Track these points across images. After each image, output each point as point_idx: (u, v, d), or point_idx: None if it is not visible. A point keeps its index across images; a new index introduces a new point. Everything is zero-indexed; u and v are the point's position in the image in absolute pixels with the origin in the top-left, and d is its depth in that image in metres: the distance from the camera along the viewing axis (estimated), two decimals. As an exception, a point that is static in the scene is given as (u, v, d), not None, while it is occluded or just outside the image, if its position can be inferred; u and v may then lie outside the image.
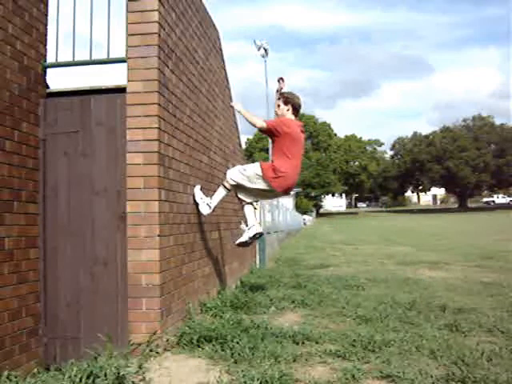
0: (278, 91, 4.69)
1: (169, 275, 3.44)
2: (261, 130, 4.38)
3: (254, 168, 4.36)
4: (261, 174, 4.28)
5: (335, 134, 70.78)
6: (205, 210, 4.29)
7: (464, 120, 65.47)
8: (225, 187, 4.47)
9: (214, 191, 4.80)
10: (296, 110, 4.50)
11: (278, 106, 4.51)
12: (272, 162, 4.39)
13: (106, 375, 2.49)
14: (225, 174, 5.69)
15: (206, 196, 4.37)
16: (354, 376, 2.70)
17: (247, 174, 4.36)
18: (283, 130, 4.27)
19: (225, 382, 2.66)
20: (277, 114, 4.55)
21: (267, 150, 34.03)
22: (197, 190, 4.31)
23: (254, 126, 4.31)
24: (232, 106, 4.65)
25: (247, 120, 4.34)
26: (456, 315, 4.14)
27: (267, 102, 27.14)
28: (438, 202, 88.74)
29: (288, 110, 4.48)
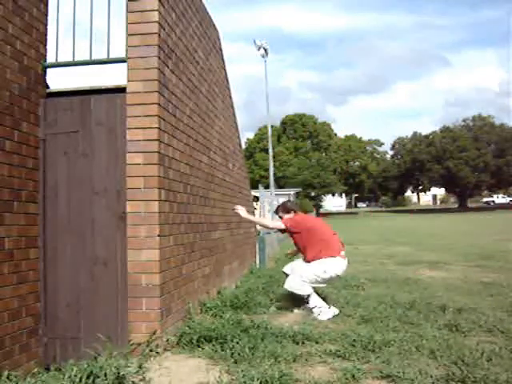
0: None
1: (169, 275, 3.44)
2: (280, 230, 4.85)
3: (314, 269, 4.45)
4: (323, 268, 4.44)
5: (335, 134, 70.76)
6: (326, 314, 4.27)
7: (464, 120, 65.46)
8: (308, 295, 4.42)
9: (214, 190, 4.82)
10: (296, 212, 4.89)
11: (281, 218, 4.87)
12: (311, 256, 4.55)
13: (105, 375, 2.50)
14: (224, 173, 5.70)
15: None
16: (353, 376, 2.70)
17: (315, 276, 4.44)
18: (301, 227, 4.64)
19: (225, 381, 2.67)
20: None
21: (267, 150, 34.00)
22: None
23: (267, 227, 4.65)
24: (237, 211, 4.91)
25: (260, 224, 4.54)
26: (456, 315, 4.13)
27: (267, 102, 27.21)
28: (438, 202, 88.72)
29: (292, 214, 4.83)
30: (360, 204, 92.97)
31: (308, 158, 61.34)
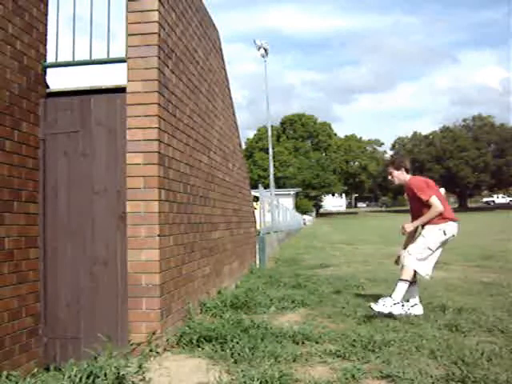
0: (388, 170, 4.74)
1: (169, 275, 3.44)
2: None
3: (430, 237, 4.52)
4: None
5: (335, 134, 70.82)
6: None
7: (464, 120, 65.54)
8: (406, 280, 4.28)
9: (214, 190, 4.80)
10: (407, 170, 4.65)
11: (391, 174, 4.65)
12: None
13: (105, 375, 2.49)
14: (224, 173, 5.70)
15: None
16: (353, 376, 2.70)
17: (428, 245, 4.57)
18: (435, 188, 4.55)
19: (225, 381, 2.66)
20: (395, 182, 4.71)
21: (267, 149, 34.03)
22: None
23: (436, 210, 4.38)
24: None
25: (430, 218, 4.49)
26: (456, 315, 4.14)
27: (267, 102, 27.21)
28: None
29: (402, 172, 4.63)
30: (360, 204, 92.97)
31: (308, 158, 61.34)
